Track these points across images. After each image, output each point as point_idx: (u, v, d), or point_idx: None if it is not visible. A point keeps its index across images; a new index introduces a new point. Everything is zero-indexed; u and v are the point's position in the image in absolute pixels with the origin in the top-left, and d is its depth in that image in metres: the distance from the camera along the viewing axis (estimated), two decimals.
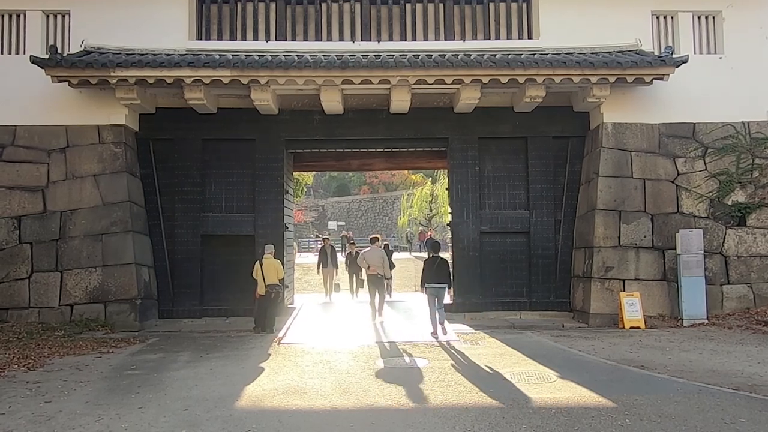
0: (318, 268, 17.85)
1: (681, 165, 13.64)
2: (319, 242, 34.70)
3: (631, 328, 12.19)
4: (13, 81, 13.05)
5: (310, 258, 31.18)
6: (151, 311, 13.38)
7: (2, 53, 13.65)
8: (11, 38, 13.74)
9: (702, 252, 12.71)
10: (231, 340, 11.44)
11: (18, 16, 13.74)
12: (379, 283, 13.22)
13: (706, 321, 12.45)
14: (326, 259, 17.60)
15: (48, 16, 13.82)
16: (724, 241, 13.41)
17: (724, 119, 13.75)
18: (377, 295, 13.19)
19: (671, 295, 13.01)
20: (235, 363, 9.23)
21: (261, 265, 12.40)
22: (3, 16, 13.76)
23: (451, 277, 11.66)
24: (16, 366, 9.00)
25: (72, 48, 13.26)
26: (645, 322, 12.35)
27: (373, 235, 15.34)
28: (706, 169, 13.64)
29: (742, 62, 13.76)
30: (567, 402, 6.86)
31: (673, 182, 13.58)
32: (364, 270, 14.38)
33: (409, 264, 25.75)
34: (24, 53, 13.21)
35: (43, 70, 12.26)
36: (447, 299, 12.23)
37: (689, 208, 13.49)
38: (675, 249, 12.89)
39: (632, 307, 12.41)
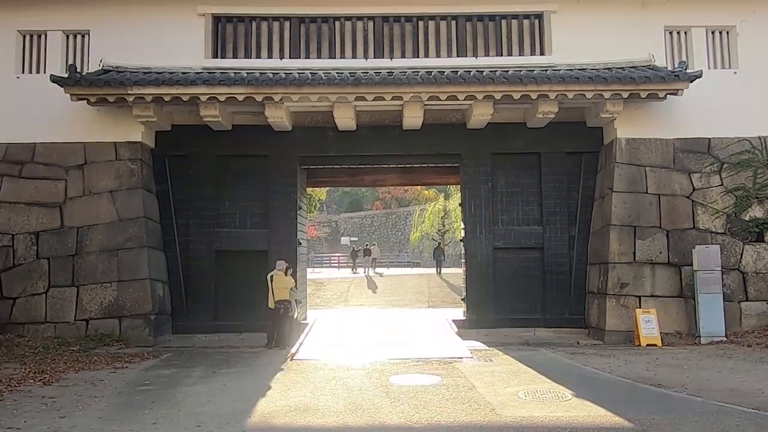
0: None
1: (696, 180, 13.51)
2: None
3: (647, 345, 12.01)
4: (34, 99, 13.32)
5: (322, 274, 31.25)
6: (165, 326, 13.44)
7: (23, 72, 13.96)
8: (32, 58, 14.06)
9: (719, 268, 12.51)
10: (244, 355, 11.44)
11: (39, 36, 14.07)
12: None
13: (725, 339, 12.22)
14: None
15: (68, 36, 14.14)
16: (741, 257, 13.21)
17: (739, 134, 13.62)
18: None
19: (688, 312, 12.81)
20: (248, 379, 9.23)
21: (271, 280, 12.47)
22: (25, 36, 14.10)
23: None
24: (31, 380, 9.08)
25: (91, 67, 13.53)
26: (662, 340, 12.16)
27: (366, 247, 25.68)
28: (722, 185, 13.50)
29: (758, 77, 13.66)
30: (582, 421, 6.76)
31: (688, 198, 13.44)
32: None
33: (421, 281, 25.68)
34: (44, 72, 13.49)
35: (62, 88, 12.50)
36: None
37: (705, 223, 13.34)
38: (692, 265, 12.71)
39: (648, 324, 12.23)
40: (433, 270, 29.95)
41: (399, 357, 10.87)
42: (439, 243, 35.18)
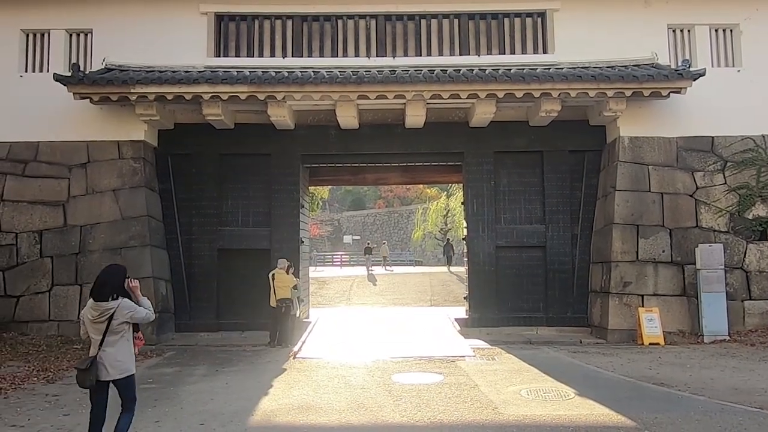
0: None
1: (700, 179, 13.48)
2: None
3: (650, 344, 11.99)
4: (37, 98, 13.34)
5: (324, 272, 31.28)
6: (168, 325, 13.46)
7: (27, 71, 13.98)
8: (35, 56, 14.08)
9: (722, 267, 12.49)
10: (246, 354, 11.47)
11: (42, 35, 14.09)
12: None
13: (728, 337, 12.21)
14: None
15: (71, 35, 14.16)
16: (745, 256, 13.18)
17: (743, 132, 13.58)
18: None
19: (691, 311, 12.79)
20: (251, 377, 9.25)
21: (272, 279, 12.48)
22: (28, 35, 14.12)
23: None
24: (35, 379, 9.11)
25: (94, 66, 13.54)
26: (664, 339, 12.15)
27: (367, 245, 30.21)
28: (725, 183, 13.46)
29: (761, 75, 13.62)
30: (585, 420, 6.76)
31: (691, 196, 13.41)
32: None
33: (424, 279, 25.68)
34: (48, 71, 13.51)
35: (65, 87, 12.51)
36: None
37: (709, 222, 13.31)
38: (695, 264, 12.69)
39: (651, 323, 12.22)
40: (436, 268, 30.18)
41: (401, 355, 10.88)
42: (449, 239, 35.68)
